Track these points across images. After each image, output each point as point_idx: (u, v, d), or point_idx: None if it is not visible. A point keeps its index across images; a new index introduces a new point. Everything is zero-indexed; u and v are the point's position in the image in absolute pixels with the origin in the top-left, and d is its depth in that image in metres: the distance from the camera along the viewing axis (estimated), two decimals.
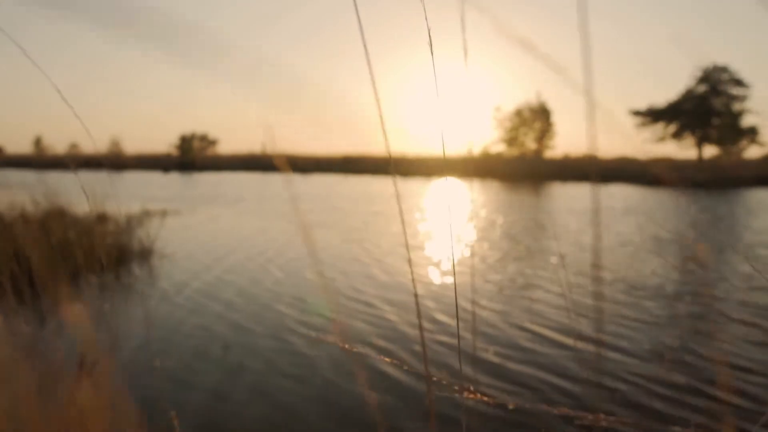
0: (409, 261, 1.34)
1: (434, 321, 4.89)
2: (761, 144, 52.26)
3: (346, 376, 3.64)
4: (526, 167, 38.28)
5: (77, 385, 2.64)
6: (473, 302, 5.60)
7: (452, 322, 4.82)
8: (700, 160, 49.57)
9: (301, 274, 6.72)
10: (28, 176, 31.68)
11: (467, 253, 8.54)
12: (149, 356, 4.01)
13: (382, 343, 4.30)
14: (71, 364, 2.68)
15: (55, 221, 7.81)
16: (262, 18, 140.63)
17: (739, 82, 52.09)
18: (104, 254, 7.40)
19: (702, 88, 53.24)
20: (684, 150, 53.94)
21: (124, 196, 18.49)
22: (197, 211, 14.28)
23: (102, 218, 10.95)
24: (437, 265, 7.61)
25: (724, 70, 52.55)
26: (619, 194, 23.17)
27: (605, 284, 6.37)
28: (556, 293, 5.92)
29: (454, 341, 4.34)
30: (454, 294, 5.45)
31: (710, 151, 53.07)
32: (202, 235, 10.22)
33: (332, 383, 3.55)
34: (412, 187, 27.61)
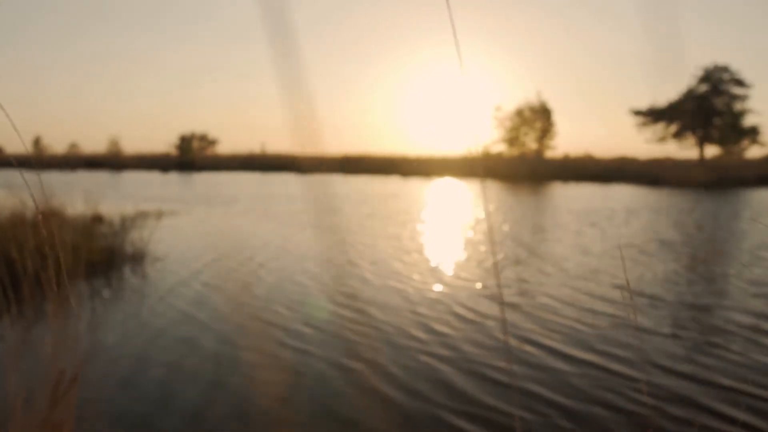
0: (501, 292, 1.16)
1: (433, 332, 4.71)
2: (762, 144, 52.07)
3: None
4: (526, 167, 38.07)
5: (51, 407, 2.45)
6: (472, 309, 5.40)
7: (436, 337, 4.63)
8: (701, 159, 49.34)
9: (283, 283, 6.45)
10: (26, 176, 31.37)
11: (464, 258, 8.35)
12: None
13: (360, 365, 4.10)
14: (46, 382, 2.49)
15: (45, 224, 7.59)
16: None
17: (739, 82, 51.89)
18: (95, 258, 7.20)
19: (703, 88, 53.03)
20: (685, 150, 53.77)
21: (120, 196, 18.28)
22: (189, 213, 14.08)
23: (96, 219, 10.75)
24: (431, 271, 7.42)
25: (724, 69, 52.34)
26: (619, 195, 22.99)
27: (605, 290, 6.19)
28: (562, 300, 5.75)
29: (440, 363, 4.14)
30: (445, 304, 5.25)
31: (711, 151, 52.88)
32: (194, 238, 10.02)
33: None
34: (412, 187, 27.41)
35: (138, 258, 7.79)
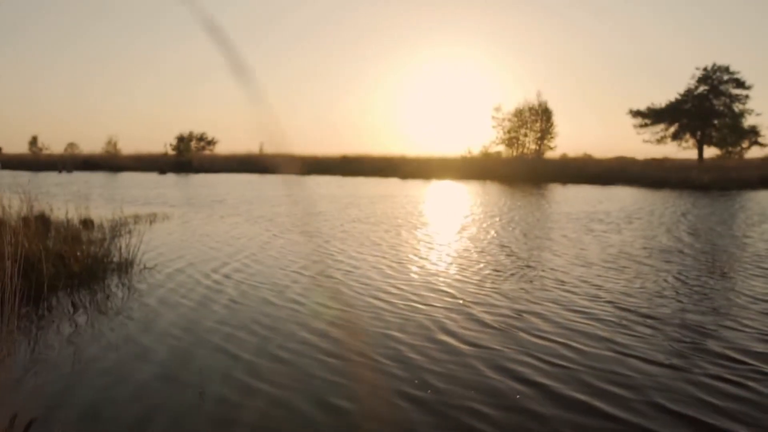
0: None
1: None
2: (763, 145, 51.67)
3: None
4: (525, 168, 37.76)
5: None
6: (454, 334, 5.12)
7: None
8: (701, 160, 48.98)
9: (253, 300, 6.00)
10: (23, 177, 31.16)
11: (453, 268, 8.05)
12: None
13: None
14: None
15: (31, 229, 7.17)
16: (262, 18, 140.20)
17: (739, 83, 51.53)
18: (80, 267, 6.84)
19: (702, 89, 52.66)
20: (684, 151, 53.40)
21: (114, 198, 17.96)
22: (183, 217, 13.78)
23: (85, 223, 10.40)
24: (416, 286, 7.11)
25: (724, 70, 51.97)
26: (619, 197, 22.65)
27: (601, 310, 5.91)
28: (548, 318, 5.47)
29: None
30: (426, 328, 4.84)
31: (711, 151, 52.49)
32: (185, 245, 9.67)
33: None
34: (409, 189, 27.12)
35: (125, 267, 7.43)
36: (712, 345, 4.68)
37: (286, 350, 4.46)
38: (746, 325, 5.24)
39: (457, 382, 3.87)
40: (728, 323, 5.32)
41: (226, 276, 7.14)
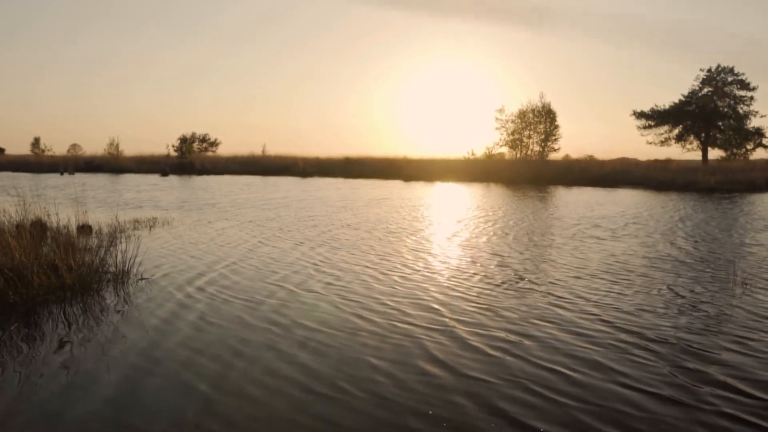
0: None
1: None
2: (767, 147, 50.85)
3: None
4: (529, 170, 37.27)
5: None
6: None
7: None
8: (705, 162, 48.29)
9: (231, 316, 5.66)
10: (23, 179, 30.92)
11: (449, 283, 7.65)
12: None
13: None
14: None
15: (25, 237, 6.76)
16: (262, 19, 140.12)
17: (744, 84, 50.83)
18: (74, 277, 6.43)
19: (706, 90, 52.00)
20: (687, 153, 52.77)
21: (114, 202, 17.61)
22: (183, 222, 13.42)
23: (83, 229, 10.02)
24: (401, 302, 6.71)
25: (729, 71, 51.28)
26: (624, 200, 22.13)
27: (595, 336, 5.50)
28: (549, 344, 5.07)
29: None
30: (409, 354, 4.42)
31: (714, 153, 51.81)
32: (184, 252, 9.28)
33: None
34: (411, 191, 26.68)
35: (121, 278, 7.03)
36: (721, 375, 4.27)
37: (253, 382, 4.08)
38: (757, 350, 4.83)
39: (441, 424, 3.47)
40: (736, 347, 4.90)
41: (227, 288, 6.78)
